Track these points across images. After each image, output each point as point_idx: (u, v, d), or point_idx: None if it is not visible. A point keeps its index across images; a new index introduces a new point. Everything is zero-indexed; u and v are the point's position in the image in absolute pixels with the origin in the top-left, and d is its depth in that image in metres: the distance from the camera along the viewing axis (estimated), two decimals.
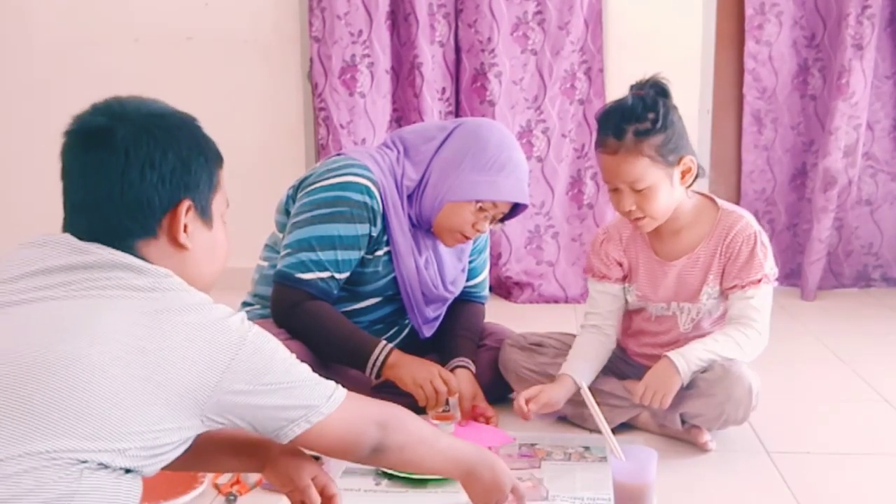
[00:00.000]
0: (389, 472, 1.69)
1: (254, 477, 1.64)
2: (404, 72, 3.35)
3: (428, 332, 2.11)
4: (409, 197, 1.99)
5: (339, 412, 1.14)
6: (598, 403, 1.57)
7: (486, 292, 2.28)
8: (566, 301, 3.33)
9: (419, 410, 1.91)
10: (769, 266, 1.83)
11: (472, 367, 2.03)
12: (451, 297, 2.14)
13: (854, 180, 3.32)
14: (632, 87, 1.81)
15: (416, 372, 1.87)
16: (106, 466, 0.98)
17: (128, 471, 1.01)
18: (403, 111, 3.40)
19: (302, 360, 1.85)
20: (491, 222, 1.99)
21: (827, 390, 2.29)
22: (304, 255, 1.90)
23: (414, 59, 3.28)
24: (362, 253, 1.95)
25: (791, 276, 3.44)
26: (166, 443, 1.03)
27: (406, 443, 1.21)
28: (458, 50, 3.36)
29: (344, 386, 1.98)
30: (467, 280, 2.18)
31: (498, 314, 2.43)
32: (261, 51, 3.45)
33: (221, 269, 1.21)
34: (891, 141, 3.38)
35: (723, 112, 3.45)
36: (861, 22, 3.17)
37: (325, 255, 1.89)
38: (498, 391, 2.06)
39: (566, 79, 3.35)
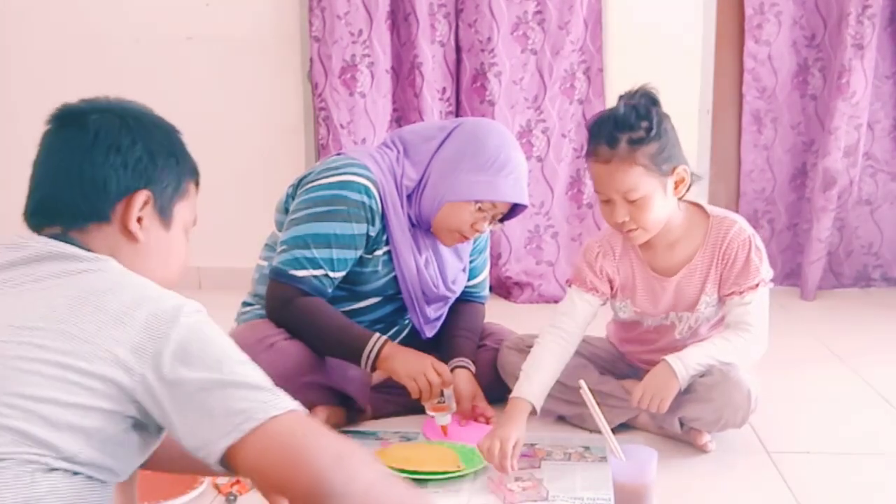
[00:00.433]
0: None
1: None
2: (404, 71, 3.35)
3: (430, 332, 2.11)
4: (409, 197, 1.99)
5: (287, 427, 0.96)
6: (597, 404, 1.57)
7: (486, 292, 2.28)
8: None
9: (414, 409, 1.92)
10: (765, 269, 1.82)
11: (472, 367, 2.03)
12: (452, 297, 2.14)
13: (854, 180, 3.32)
14: (621, 97, 1.77)
15: (410, 364, 1.87)
16: (55, 469, 0.94)
17: (90, 477, 0.97)
18: (403, 111, 3.40)
19: (300, 357, 1.87)
20: (490, 222, 1.99)
21: (827, 390, 2.29)
22: (299, 253, 1.90)
23: (414, 58, 3.28)
24: (359, 252, 1.95)
25: (791, 275, 3.44)
26: (111, 435, 0.97)
27: (372, 483, 0.98)
28: (458, 50, 3.36)
29: (344, 385, 2.00)
30: (467, 280, 2.18)
31: (498, 314, 2.43)
32: (261, 51, 3.45)
33: (174, 278, 1.16)
34: (891, 141, 3.38)
35: (723, 112, 3.45)
36: (861, 22, 3.17)
37: (320, 253, 1.89)
38: (498, 391, 2.05)
39: (566, 79, 3.35)
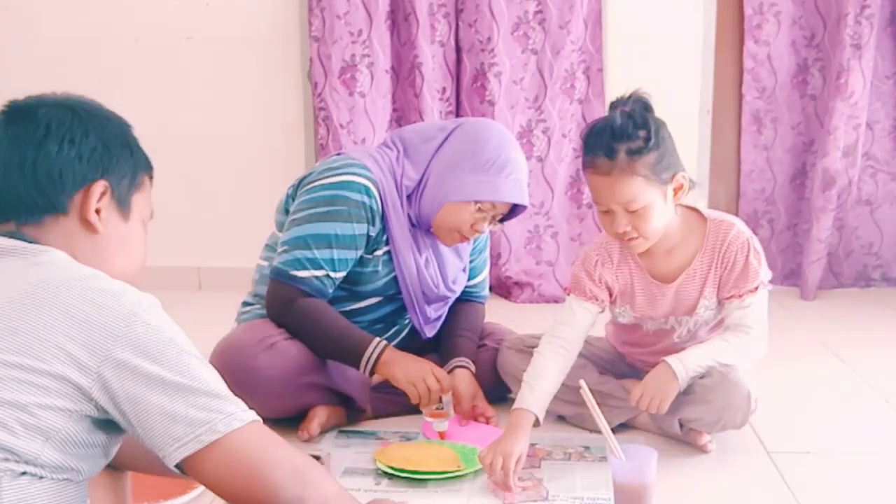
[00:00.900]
0: (389, 472, 1.70)
1: None
2: (404, 71, 3.35)
3: (430, 332, 2.11)
4: (409, 197, 1.99)
5: (246, 440, 0.97)
6: (597, 404, 1.57)
7: (486, 292, 2.28)
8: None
9: (413, 409, 1.92)
10: (764, 272, 1.81)
11: (472, 367, 2.03)
12: (452, 297, 2.14)
13: (854, 180, 3.32)
14: (613, 105, 1.74)
15: (409, 369, 1.87)
16: (23, 473, 0.92)
17: (58, 479, 0.96)
18: (403, 111, 3.40)
19: (300, 357, 1.87)
20: (490, 223, 1.99)
21: (827, 390, 2.29)
22: (300, 253, 1.90)
23: (414, 58, 3.28)
24: (360, 252, 1.95)
25: (791, 275, 3.44)
26: (72, 435, 0.95)
27: (327, 499, 1.01)
28: (458, 50, 3.36)
29: (344, 385, 2.00)
30: (467, 280, 2.18)
31: (498, 314, 2.43)
32: (261, 51, 3.45)
33: (134, 271, 1.13)
34: (891, 141, 3.38)
35: (723, 112, 3.45)
36: (860, 22, 3.17)
37: (321, 254, 1.89)
38: (498, 391, 2.06)
39: (566, 78, 3.35)
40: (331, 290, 1.93)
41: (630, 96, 1.73)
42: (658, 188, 1.71)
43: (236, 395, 1.02)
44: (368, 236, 1.94)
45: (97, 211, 1.08)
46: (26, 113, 1.08)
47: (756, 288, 1.80)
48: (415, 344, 2.08)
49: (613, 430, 1.53)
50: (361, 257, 1.96)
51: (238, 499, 0.98)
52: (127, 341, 0.95)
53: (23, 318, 0.94)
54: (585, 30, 3.32)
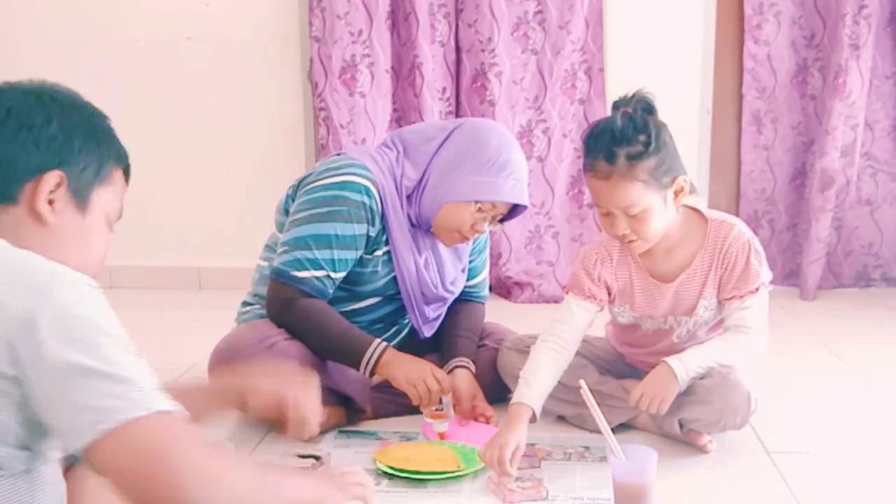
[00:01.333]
0: (389, 472, 1.70)
1: None
2: (404, 72, 3.35)
3: (428, 332, 2.11)
4: (409, 197, 1.99)
5: (150, 431, 0.88)
6: (597, 404, 1.57)
7: (485, 292, 2.28)
8: None
9: (413, 409, 1.92)
10: (765, 273, 1.81)
11: (472, 367, 2.03)
12: (451, 298, 2.14)
13: (853, 180, 3.32)
14: (616, 105, 1.74)
15: (409, 370, 1.87)
16: None
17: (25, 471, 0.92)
18: (403, 111, 3.40)
19: (301, 357, 1.88)
20: (490, 223, 1.99)
21: (827, 390, 2.29)
22: (301, 254, 1.90)
23: (414, 58, 3.28)
24: (360, 253, 1.95)
25: (791, 275, 3.44)
26: (5, 424, 0.91)
27: (239, 498, 0.92)
28: (458, 50, 3.35)
29: (344, 386, 2.00)
30: (467, 280, 2.19)
31: (498, 314, 2.43)
32: (261, 51, 3.45)
33: (91, 270, 1.04)
34: (890, 141, 3.38)
35: (722, 112, 3.45)
36: (857, 22, 3.17)
37: (321, 254, 1.90)
38: (498, 391, 2.06)
39: (566, 78, 3.35)
40: (331, 291, 1.93)
41: (633, 96, 1.73)
42: (657, 192, 1.71)
43: None
44: (368, 236, 1.94)
45: (51, 202, 1.03)
46: None
47: (757, 289, 1.80)
48: (414, 344, 2.08)
49: (613, 430, 1.53)
50: (361, 257, 1.96)
51: (140, 497, 0.89)
52: (44, 319, 0.88)
53: None
54: (586, 29, 3.31)
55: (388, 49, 3.32)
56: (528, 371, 1.81)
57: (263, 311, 1.99)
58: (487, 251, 2.26)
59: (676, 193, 1.75)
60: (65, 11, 3.47)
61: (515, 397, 1.78)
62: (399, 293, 2.04)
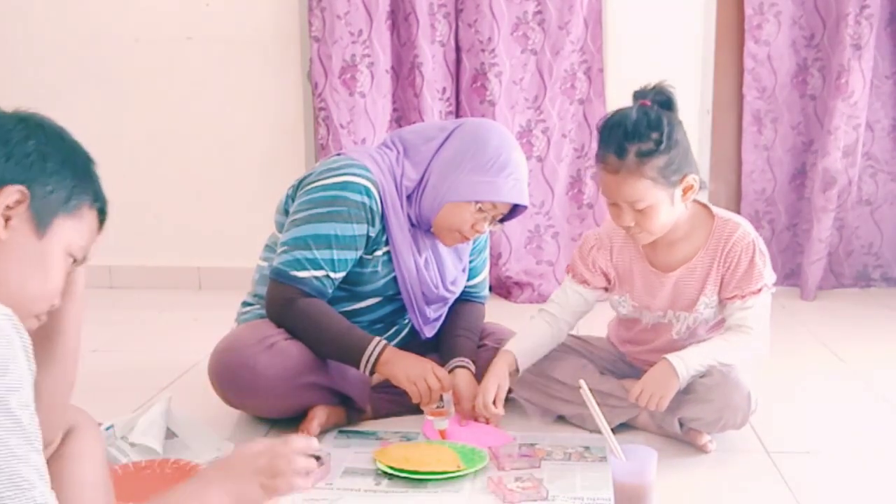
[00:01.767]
0: (389, 472, 1.70)
1: None
2: (404, 72, 3.35)
3: (429, 332, 2.11)
4: (409, 197, 1.99)
5: None
6: (597, 404, 1.57)
7: (485, 292, 2.28)
8: None
9: (413, 409, 1.92)
10: (768, 274, 1.81)
11: (472, 367, 2.03)
12: (451, 298, 2.14)
13: (854, 180, 3.32)
14: (636, 95, 1.74)
15: (410, 368, 1.87)
16: None
17: None
18: (403, 111, 3.40)
19: (300, 357, 1.87)
20: (490, 223, 1.99)
21: (827, 390, 2.29)
22: (300, 254, 1.90)
23: (414, 58, 3.28)
24: (360, 253, 1.95)
25: (791, 275, 3.44)
26: None
27: None
28: (458, 50, 3.36)
29: (344, 386, 2.00)
30: (467, 280, 2.19)
31: (498, 314, 2.43)
32: (261, 51, 3.45)
33: (40, 299, 1.02)
34: (891, 141, 3.38)
35: (723, 112, 3.45)
36: (859, 22, 3.17)
37: (321, 254, 1.90)
38: None
39: (566, 79, 3.35)
40: (331, 291, 1.93)
41: (653, 88, 1.74)
42: (665, 190, 1.72)
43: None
44: (368, 237, 1.94)
45: (7, 218, 0.99)
46: None
47: (759, 290, 1.80)
48: (414, 344, 2.08)
49: (613, 430, 1.53)
50: (361, 258, 1.96)
51: None
52: None
53: None
54: (586, 29, 3.32)
55: (388, 49, 3.32)
56: (519, 332, 1.96)
57: (263, 311, 1.99)
58: (487, 251, 2.26)
59: (685, 191, 1.76)
60: (65, 11, 3.47)
61: (503, 347, 1.91)
62: (399, 293, 2.04)
